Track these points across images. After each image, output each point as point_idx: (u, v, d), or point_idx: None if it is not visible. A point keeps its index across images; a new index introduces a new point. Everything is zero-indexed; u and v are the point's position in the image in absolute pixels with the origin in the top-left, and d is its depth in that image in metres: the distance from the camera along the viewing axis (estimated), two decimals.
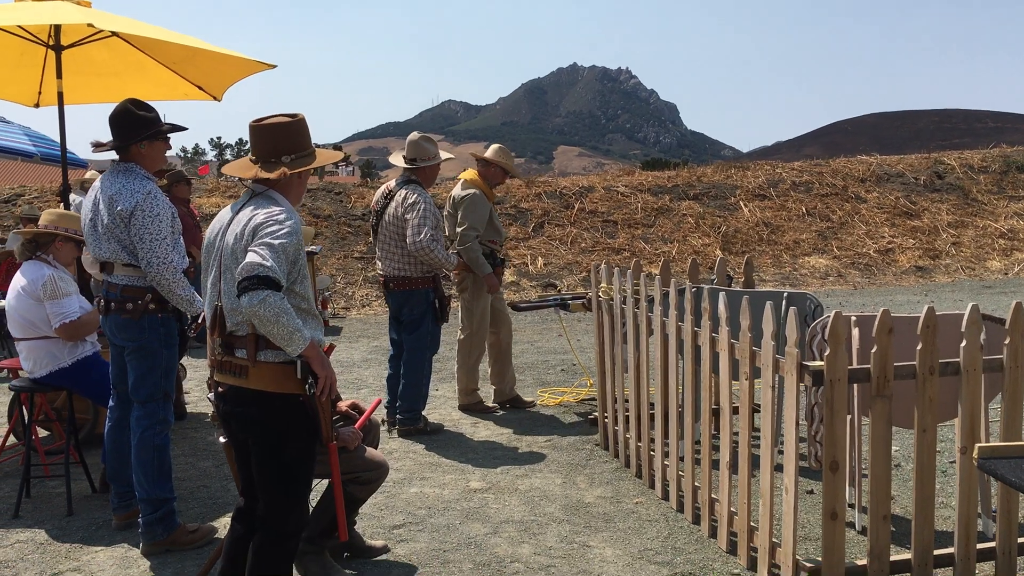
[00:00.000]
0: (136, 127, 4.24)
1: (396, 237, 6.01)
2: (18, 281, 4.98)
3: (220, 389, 3.25)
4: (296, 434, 3.18)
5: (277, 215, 3.10)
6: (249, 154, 3.36)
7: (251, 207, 3.19)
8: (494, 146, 6.82)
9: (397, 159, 6.30)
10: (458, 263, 6.53)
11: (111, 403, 4.54)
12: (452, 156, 6.89)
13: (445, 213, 6.69)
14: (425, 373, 6.20)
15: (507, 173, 6.78)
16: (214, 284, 3.23)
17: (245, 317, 3.04)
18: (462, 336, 6.70)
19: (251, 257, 2.98)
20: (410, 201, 5.94)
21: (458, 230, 6.43)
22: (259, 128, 3.28)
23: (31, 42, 6.32)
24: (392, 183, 6.24)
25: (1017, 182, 17.73)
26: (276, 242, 3.02)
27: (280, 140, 3.26)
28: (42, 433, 6.13)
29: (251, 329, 3.09)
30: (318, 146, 3.46)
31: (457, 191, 6.59)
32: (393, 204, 6.04)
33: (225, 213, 3.31)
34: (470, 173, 6.75)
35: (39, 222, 5.11)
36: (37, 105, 7.13)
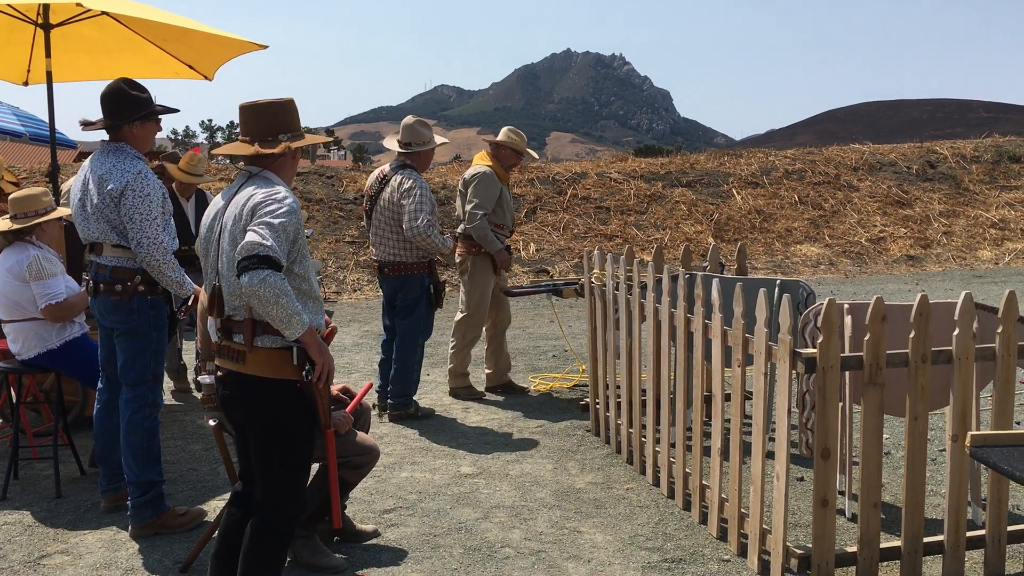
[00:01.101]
0: (129, 107, 4.19)
1: (391, 222, 5.98)
2: (3, 263, 4.92)
3: (219, 373, 3.25)
4: (294, 420, 3.16)
5: (275, 194, 3.08)
6: (240, 136, 3.33)
7: (249, 187, 3.16)
8: (505, 128, 6.79)
9: (391, 143, 6.25)
10: (460, 243, 6.52)
11: (100, 385, 4.51)
12: (447, 140, 6.85)
13: (458, 191, 6.67)
14: (417, 358, 6.18)
15: (520, 155, 6.73)
16: (212, 266, 3.20)
17: (244, 297, 3.01)
18: (460, 317, 6.69)
19: (251, 236, 2.95)
20: (406, 187, 5.90)
21: (467, 208, 6.40)
22: (256, 107, 3.28)
23: (19, 20, 6.26)
24: (386, 167, 6.19)
25: (1009, 172, 17.76)
26: (276, 221, 2.99)
27: (276, 119, 3.27)
28: (30, 415, 6.10)
29: (248, 314, 3.07)
30: (307, 130, 3.47)
31: (470, 170, 6.58)
32: (388, 189, 6.00)
33: (220, 197, 3.30)
34: (483, 155, 6.73)
35: (9, 211, 5.00)
36: (26, 83, 7.07)
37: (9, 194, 5.30)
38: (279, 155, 3.23)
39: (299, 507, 3.28)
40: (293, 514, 3.26)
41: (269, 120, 3.25)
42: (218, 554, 3.35)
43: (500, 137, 6.69)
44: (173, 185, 6.72)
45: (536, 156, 7.63)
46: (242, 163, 3.33)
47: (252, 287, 2.90)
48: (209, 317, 3.72)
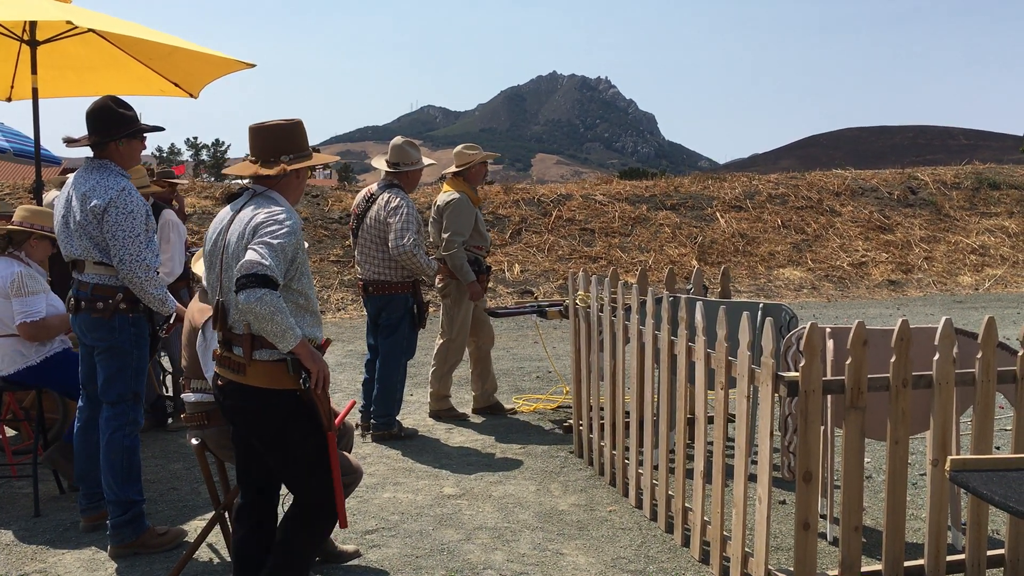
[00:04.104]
0: (116, 124, 4.20)
1: (377, 241, 5.98)
2: None
3: (220, 383, 3.32)
4: (297, 427, 3.23)
5: (277, 215, 3.19)
6: (248, 156, 3.44)
7: (252, 206, 3.27)
8: (457, 150, 6.64)
9: (380, 163, 6.27)
10: (441, 268, 6.50)
11: (80, 403, 4.48)
12: (434, 162, 6.85)
13: (431, 219, 6.65)
14: (400, 378, 6.16)
15: (485, 164, 6.68)
16: (217, 278, 3.29)
17: (241, 314, 3.09)
18: (441, 341, 6.67)
19: (250, 255, 3.05)
20: (393, 205, 5.91)
21: (443, 236, 6.39)
22: (259, 129, 3.39)
23: (5, 36, 6.25)
24: (374, 187, 6.20)
25: (989, 199, 17.96)
26: (275, 241, 3.10)
27: (279, 140, 3.37)
28: (9, 432, 6.04)
29: (247, 328, 3.16)
30: (313, 149, 3.56)
31: (442, 197, 6.55)
32: (375, 208, 6.00)
33: (225, 212, 3.38)
34: (453, 180, 6.69)
35: (14, 217, 5.05)
36: (9, 99, 7.06)
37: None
38: (278, 176, 3.32)
39: (330, 507, 3.34)
40: (327, 516, 3.34)
41: (270, 141, 3.36)
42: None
43: (460, 162, 6.56)
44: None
45: (498, 154, 7.53)
46: (248, 181, 3.44)
47: (249, 304, 2.99)
48: (201, 331, 3.77)
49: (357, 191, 9.36)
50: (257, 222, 3.16)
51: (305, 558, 3.36)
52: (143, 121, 4.35)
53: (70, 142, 4.37)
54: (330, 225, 14.55)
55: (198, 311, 3.91)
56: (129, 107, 4.29)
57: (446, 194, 6.53)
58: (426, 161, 6.27)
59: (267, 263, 3.03)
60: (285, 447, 3.25)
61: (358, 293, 6.48)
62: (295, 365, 3.15)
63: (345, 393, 7.51)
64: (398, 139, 6.24)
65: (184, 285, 6.31)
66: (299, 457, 3.27)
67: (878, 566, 3.67)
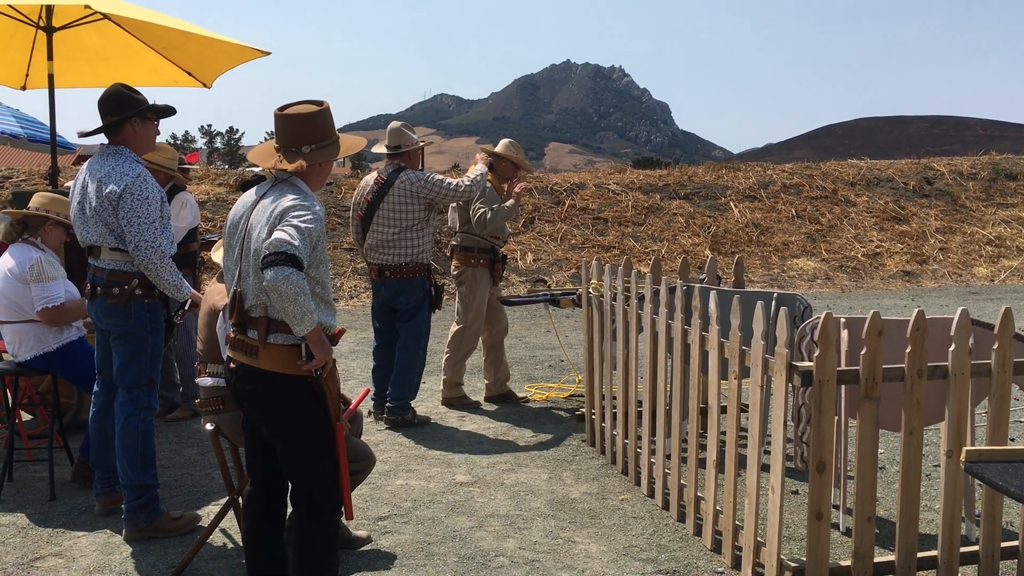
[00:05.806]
0: (129, 105, 4.22)
1: (397, 225, 6.00)
2: (5, 263, 4.93)
3: (232, 365, 3.32)
4: (307, 414, 3.23)
5: (304, 201, 3.19)
6: (273, 141, 3.42)
7: (276, 193, 3.25)
8: (504, 141, 6.80)
9: (380, 148, 6.31)
10: (456, 256, 6.55)
11: (96, 388, 4.51)
12: (432, 141, 6.90)
13: (452, 204, 6.68)
14: (420, 361, 6.20)
15: (517, 167, 6.75)
16: (236, 262, 3.29)
17: (265, 291, 3.08)
18: (456, 328, 6.69)
19: (279, 235, 3.05)
20: (424, 178, 5.96)
21: (474, 213, 6.38)
22: (282, 117, 3.34)
23: (22, 23, 6.27)
24: (382, 173, 6.20)
25: (1005, 190, 17.82)
26: (303, 225, 3.10)
27: (301, 130, 3.32)
28: (25, 417, 6.09)
29: (263, 312, 3.17)
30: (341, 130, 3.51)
31: None
32: (393, 193, 6.00)
33: (248, 196, 3.37)
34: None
35: (31, 203, 5.07)
36: (24, 87, 7.09)
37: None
38: (296, 170, 3.28)
39: (335, 499, 3.33)
40: (331, 506, 3.32)
41: (294, 131, 3.32)
42: (250, 566, 3.44)
43: (499, 149, 6.70)
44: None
45: (532, 170, 7.66)
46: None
47: (276, 282, 2.99)
48: (222, 313, 3.79)
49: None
50: (284, 207, 3.16)
51: (327, 549, 3.32)
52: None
53: (84, 135, 4.39)
54: (343, 213, 14.56)
55: (219, 293, 3.93)
56: (139, 92, 4.31)
57: None
58: (423, 139, 6.34)
59: (296, 243, 3.04)
60: (293, 433, 3.25)
61: (370, 279, 6.51)
62: (308, 351, 3.15)
63: (359, 380, 7.54)
64: (395, 123, 6.34)
65: (189, 273, 6.29)
66: (306, 444, 3.26)
67: (891, 557, 3.66)
